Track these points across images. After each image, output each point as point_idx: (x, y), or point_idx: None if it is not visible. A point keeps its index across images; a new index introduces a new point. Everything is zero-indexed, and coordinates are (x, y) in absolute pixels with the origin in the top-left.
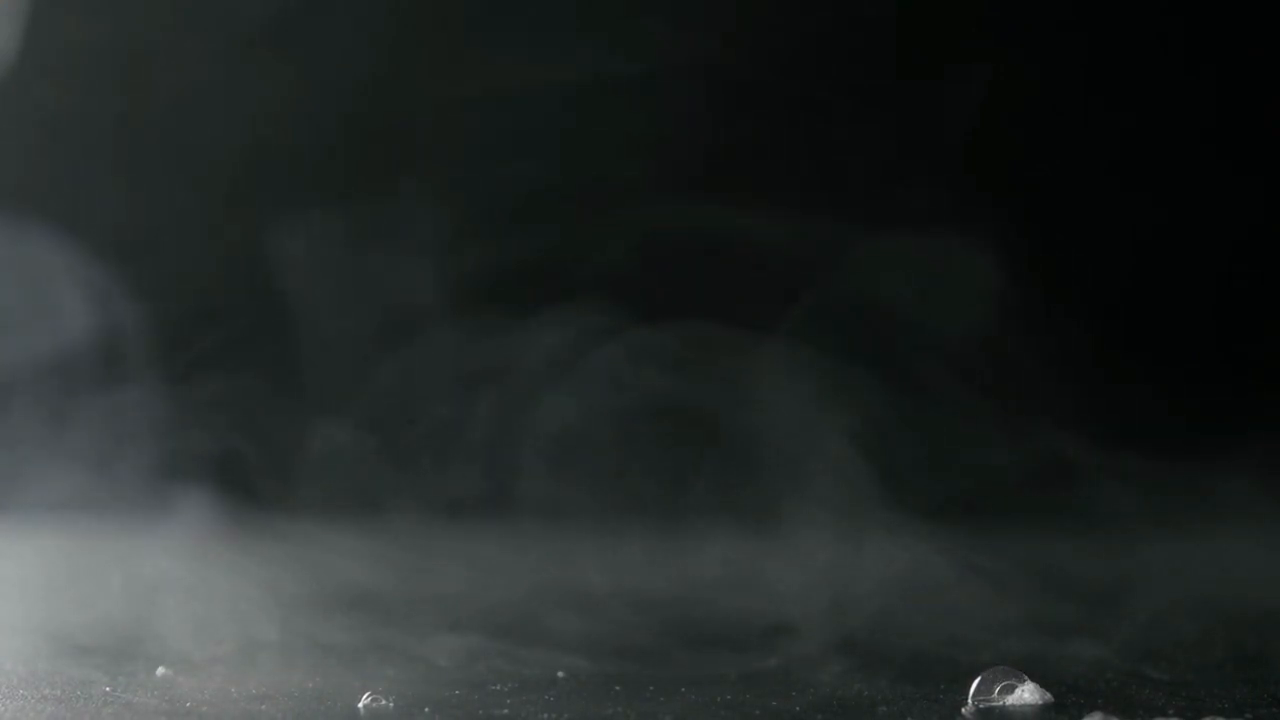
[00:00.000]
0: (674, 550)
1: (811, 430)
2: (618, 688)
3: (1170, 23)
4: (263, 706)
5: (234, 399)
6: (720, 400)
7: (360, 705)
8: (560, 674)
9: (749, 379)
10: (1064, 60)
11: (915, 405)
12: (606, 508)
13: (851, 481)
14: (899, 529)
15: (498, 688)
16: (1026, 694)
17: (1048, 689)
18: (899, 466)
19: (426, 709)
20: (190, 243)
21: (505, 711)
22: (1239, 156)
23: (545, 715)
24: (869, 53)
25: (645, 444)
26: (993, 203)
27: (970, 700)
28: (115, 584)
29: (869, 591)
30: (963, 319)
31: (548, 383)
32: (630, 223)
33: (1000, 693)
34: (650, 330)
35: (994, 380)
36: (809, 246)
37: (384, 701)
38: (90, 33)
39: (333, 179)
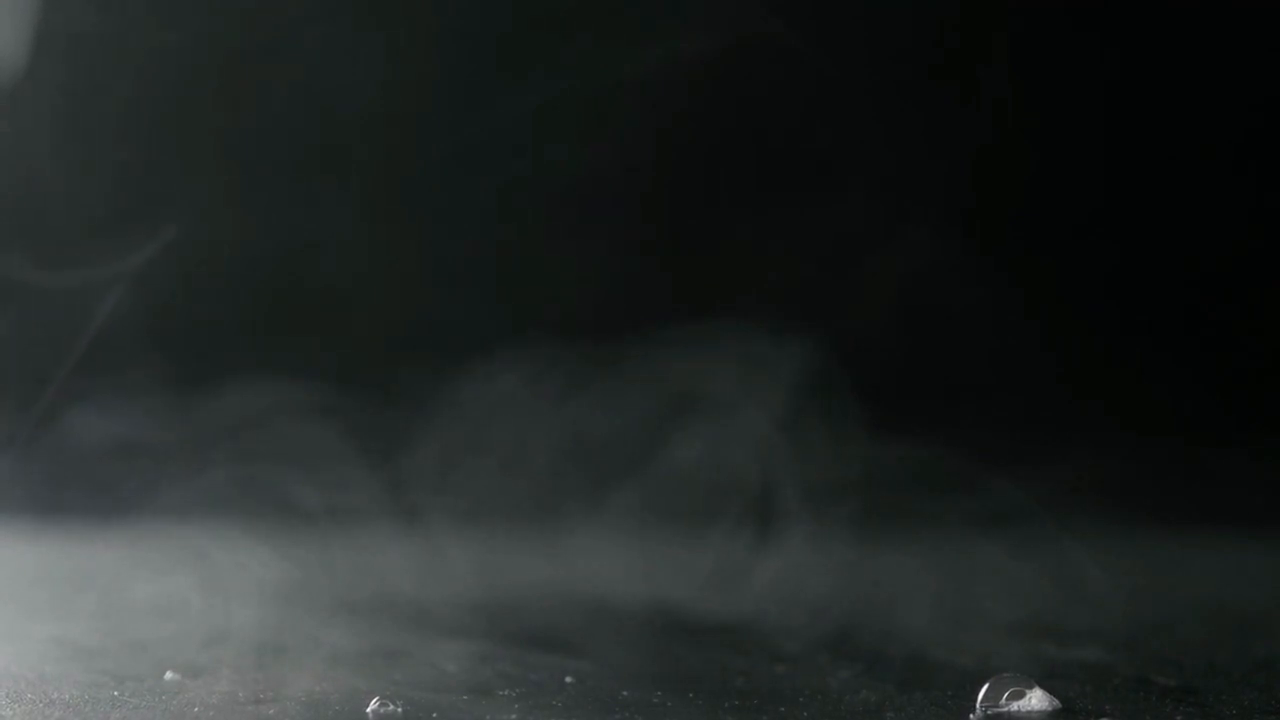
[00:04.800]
0: (675, 553)
1: (802, 429)
2: (625, 693)
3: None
4: (270, 711)
5: (238, 399)
6: (715, 396)
7: (368, 710)
8: (568, 679)
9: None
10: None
11: (907, 406)
12: (607, 512)
13: (854, 485)
14: (909, 533)
15: (506, 693)
16: (1034, 700)
17: (1055, 695)
18: (900, 469)
19: (434, 714)
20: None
21: (513, 717)
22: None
23: None
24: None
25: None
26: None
27: (978, 706)
28: (122, 588)
29: (885, 596)
30: (957, 323)
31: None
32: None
33: (1008, 699)
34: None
35: (994, 382)
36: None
37: (392, 706)
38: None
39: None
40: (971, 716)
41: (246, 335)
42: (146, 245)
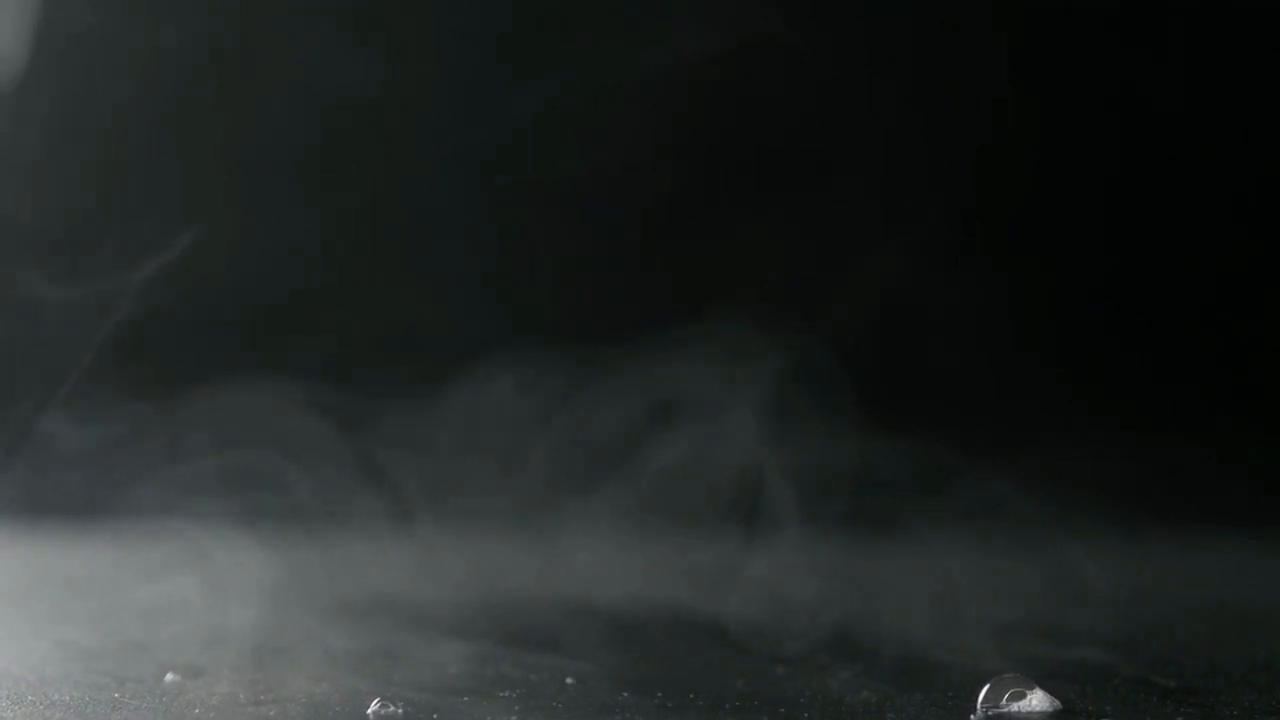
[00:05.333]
0: (679, 556)
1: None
2: (625, 694)
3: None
4: (271, 712)
5: (232, 400)
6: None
7: (369, 711)
8: (569, 680)
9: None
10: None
11: (907, 407)
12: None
13: (855, 487)
14: (910, 533)
15: (506, 694)
16: (1035, 701)
17: (1056, 696)
18: (900, 471)
19: (435, 715)
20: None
21: (514, 718)
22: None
23: None
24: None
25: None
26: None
27: (979, 707)
28: (122, 589)
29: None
30: (955, 323)
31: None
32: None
33: (1009, 699)
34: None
35: (994, 386)
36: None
37: (393, 708)
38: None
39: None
40: (972, 717)
41: (244, 337)
42: (151, 253)
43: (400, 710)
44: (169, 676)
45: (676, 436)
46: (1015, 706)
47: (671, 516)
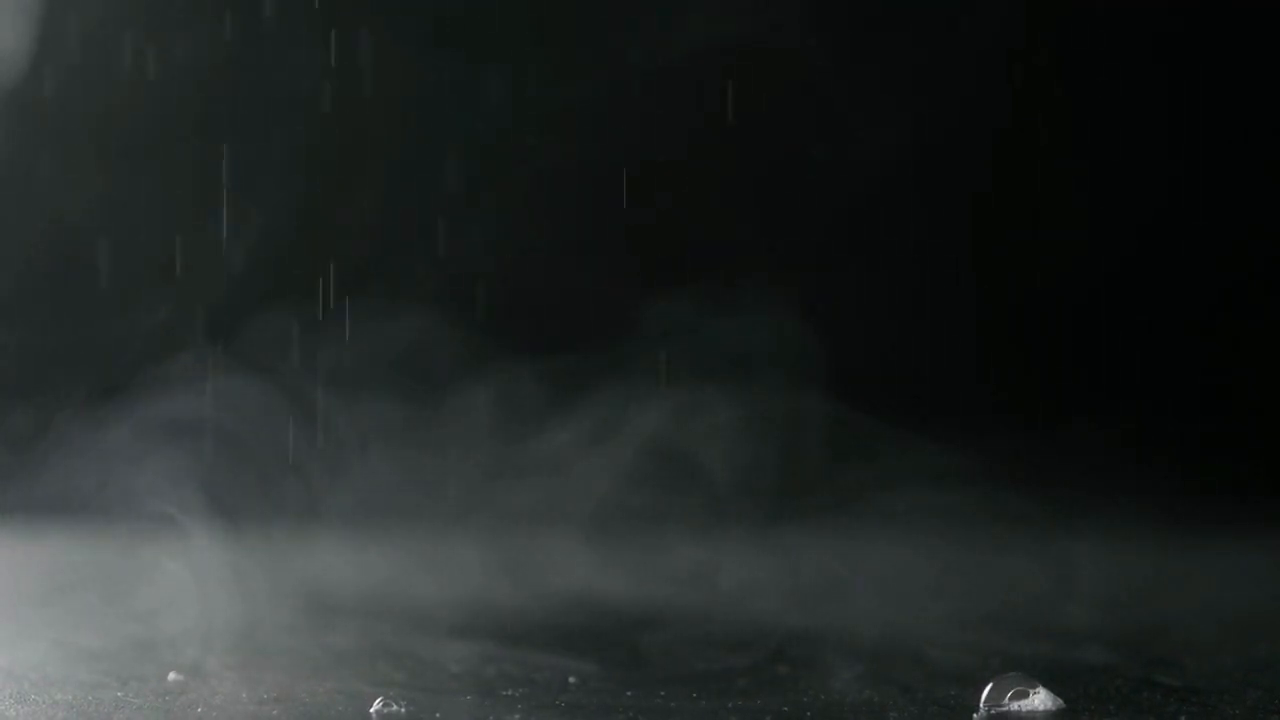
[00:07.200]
0: (680, 556)
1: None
2: (629, 693)
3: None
4: (273, 712)
5: (238, 401)
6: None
7: (372, 710)
8: (571, 679)
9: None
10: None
11: (909, 407)
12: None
13: (856, 485)
14: (911, 532)
15: (509, 693)
16: (1038, 700)
17: (1059, 695)
18: (899, 469)
19: (438, 714)
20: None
21: (516, 717)
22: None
23: None
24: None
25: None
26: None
27: (982, 706)
28: (126, 589)
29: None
30: (948, 325)
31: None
32: None
33: (1012, 699)
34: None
35: (993, 380)
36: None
37: (396, 707)
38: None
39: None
40: (975, 716)
41: (238, 338)
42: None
43: (403, 710)
44: (172, 675)
45: (687, 435)
46: (1018, 705)
47: (668, 514)
